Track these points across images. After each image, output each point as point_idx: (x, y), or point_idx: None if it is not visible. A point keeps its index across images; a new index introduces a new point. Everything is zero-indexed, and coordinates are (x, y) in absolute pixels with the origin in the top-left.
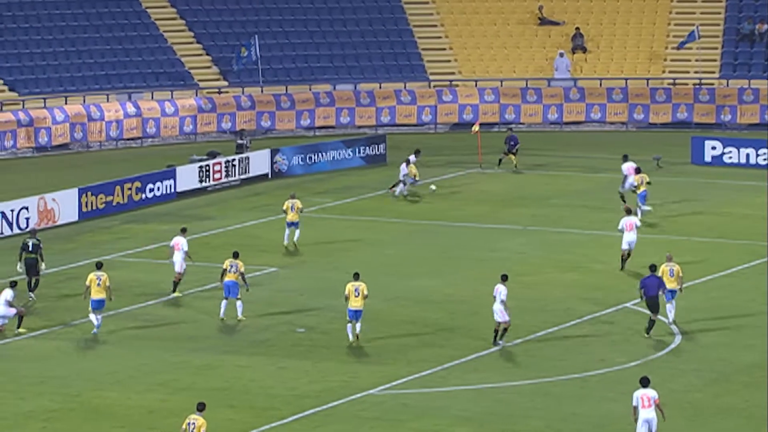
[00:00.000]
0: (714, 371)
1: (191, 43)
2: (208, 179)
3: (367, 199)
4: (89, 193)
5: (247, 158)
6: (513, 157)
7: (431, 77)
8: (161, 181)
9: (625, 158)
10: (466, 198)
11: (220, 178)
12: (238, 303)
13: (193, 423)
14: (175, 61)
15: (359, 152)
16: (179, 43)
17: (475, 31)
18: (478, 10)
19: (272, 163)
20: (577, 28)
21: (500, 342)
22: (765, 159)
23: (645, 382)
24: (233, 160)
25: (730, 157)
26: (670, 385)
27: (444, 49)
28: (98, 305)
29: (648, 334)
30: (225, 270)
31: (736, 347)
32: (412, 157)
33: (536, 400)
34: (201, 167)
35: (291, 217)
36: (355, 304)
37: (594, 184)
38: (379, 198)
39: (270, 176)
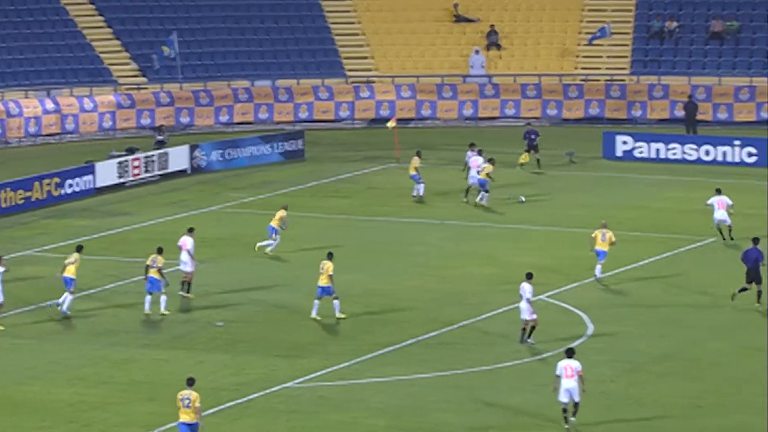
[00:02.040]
0: (626, 361)
1: (110, 39)
2: (127, 175)
3: (285, 194)
4: (8, 189)
5: (166, 154)
6: (530, 154)
7: (348, 74)
8: (80, 177)
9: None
10: (383, 193)
11: (139, 174)
12: (162, 297)
13: (188, 398)
14: (94, 58)
15: (277, 148)
16: (98, 39)
17: (391, 28)
18: (394, 7)
19: (191, 158)
20: (492, 26)
21: (529, 341)
22: (674, 153)
23: (570, 353)
24: (152, 156)
25: (641, 152)
26: (583, 375)
27: (361, 45)
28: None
29: (733, 298)
30: (148, 265)
31: (647, 338)
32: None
33: (449, 392)
34: (120, 163)
35: None
36: (320, 282)
37: (509, 178)
38: (298, 193)
39: (189, 172)
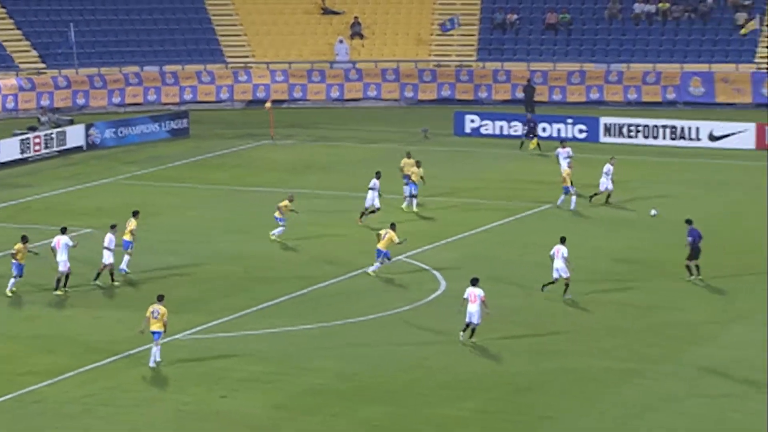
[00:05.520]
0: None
1: (12, 29)
2: (28, 151)
3: (172, 168)
4: None
5: (64, 132)
6: (534, 142)
7: (228, 60)
8: None
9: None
10: (259, 166)
11: (40, 150)
12: (11, 281)
13: (157, 311)
14: None
15: (165, 126)
16: (1, 29)
17: (266, 19)
18: (268, 0)
19: (87, 136)
20: (356, 17)
21: (568, 296)
22: (516, 131)
23: (474, 282)
24: (51, 133)
25: (487, 129)
26: (437, 326)
27: (239, 35)
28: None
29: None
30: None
31: (494, 293)
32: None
33: (324, 340)
34: (22, 140)
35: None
36: (378, 245)
37: (371, 153)
38: (183, 167)
39: (85, 148)
